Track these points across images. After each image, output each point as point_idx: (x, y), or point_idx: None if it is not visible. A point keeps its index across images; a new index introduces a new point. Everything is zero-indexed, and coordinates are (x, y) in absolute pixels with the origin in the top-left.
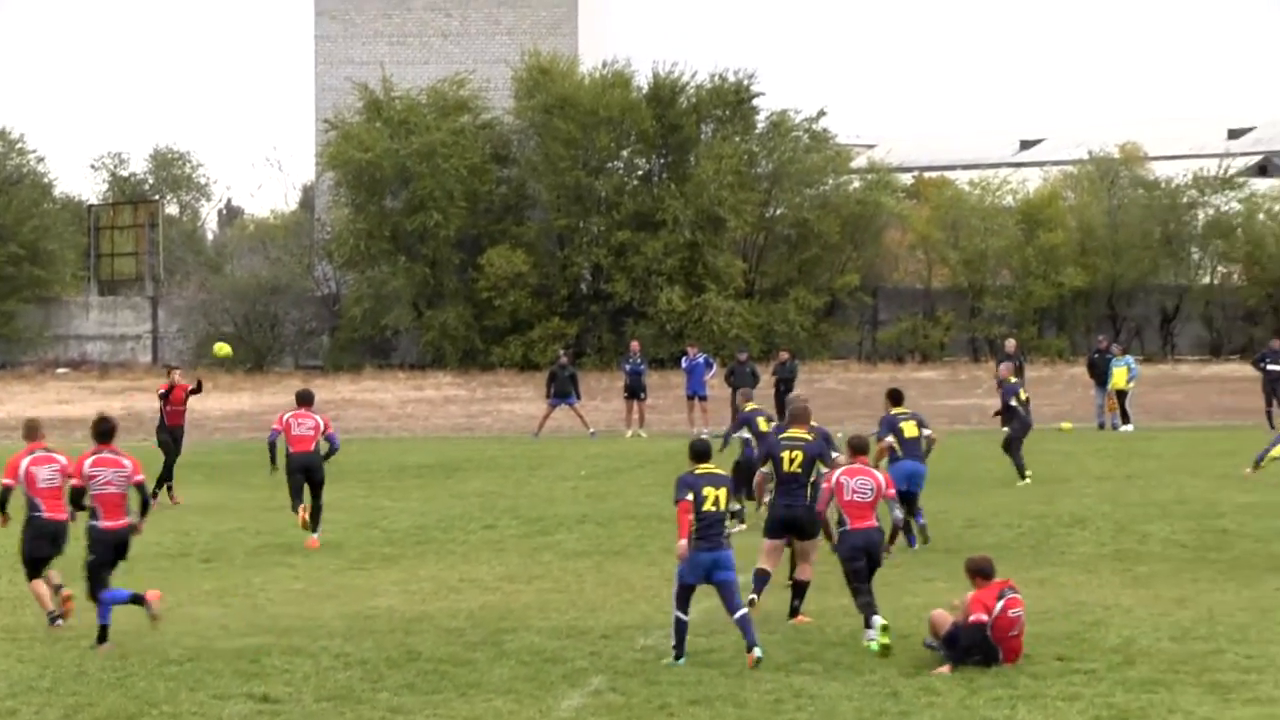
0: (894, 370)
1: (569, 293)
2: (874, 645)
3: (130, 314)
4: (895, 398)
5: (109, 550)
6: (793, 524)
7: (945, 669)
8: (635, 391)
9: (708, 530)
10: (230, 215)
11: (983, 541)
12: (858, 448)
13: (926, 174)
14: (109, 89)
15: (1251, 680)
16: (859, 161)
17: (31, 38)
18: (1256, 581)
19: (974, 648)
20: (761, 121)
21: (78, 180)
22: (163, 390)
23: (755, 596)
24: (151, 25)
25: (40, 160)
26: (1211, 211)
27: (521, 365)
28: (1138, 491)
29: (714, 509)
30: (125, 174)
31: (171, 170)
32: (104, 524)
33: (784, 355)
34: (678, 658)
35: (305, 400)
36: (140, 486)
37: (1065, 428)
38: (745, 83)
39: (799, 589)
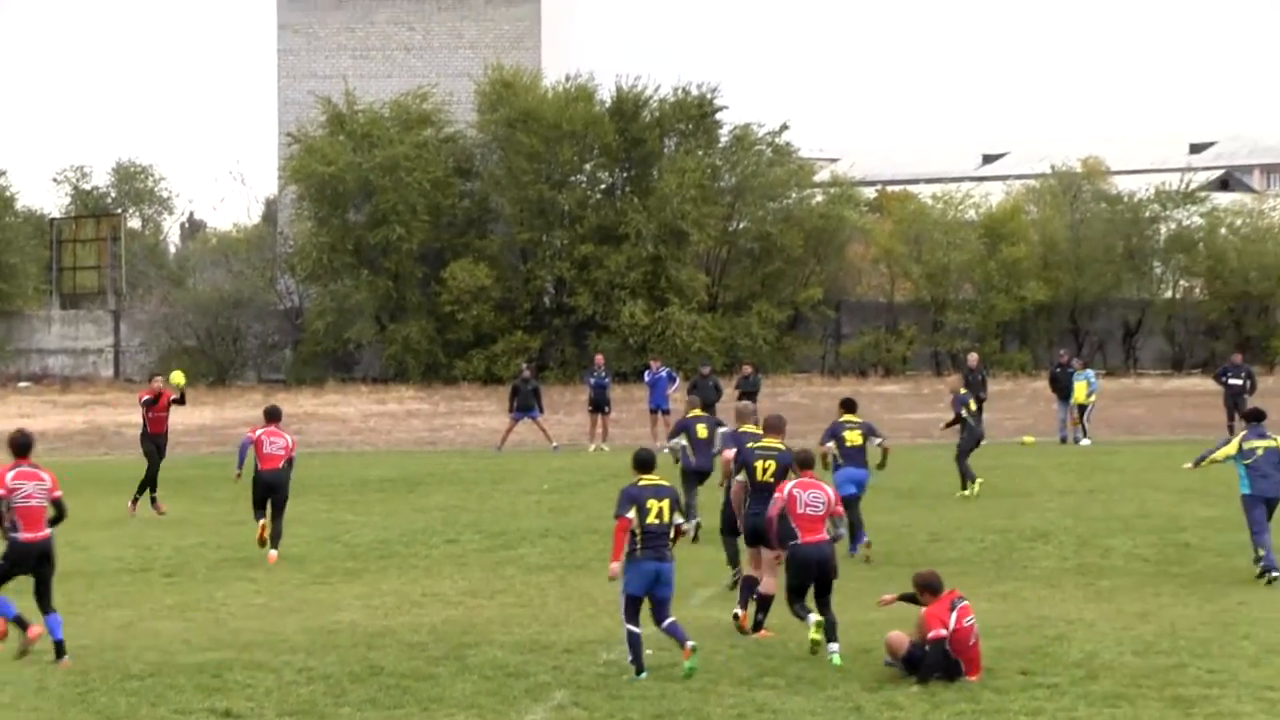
0: (857, 384)
1: (532, 306)
2: (811, 630)
3: (92, 328)
4: (848, 405)
5: (29, 561)
6: (762, 534)
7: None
8: (600, 405)
9: (653, 541)
10: (193, 229)
11: (946, 555)
12: (805, 462)
13: (889, 188)
14: (71, 102)
15: (1214, 694)
16: (822, 175)
17: None
18: (1219, 596)
19: (936, 665)
20: (725, 135)
21: (40, 194)
22: (147, 397)
23: (740, 611)
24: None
25: (2, 174)
26: (1173, 226)
27: (484, 379)
28: (1100, 506)
29: (658, 521)
30: (87, 187)
31: (134, 184)
32: (24, 536)
33: (747, 369)
34: (639, 672)
35: (274, 417)
36: (58, 502)
37: (1027, 441)
38: (708, 96)
39: (763, 603)
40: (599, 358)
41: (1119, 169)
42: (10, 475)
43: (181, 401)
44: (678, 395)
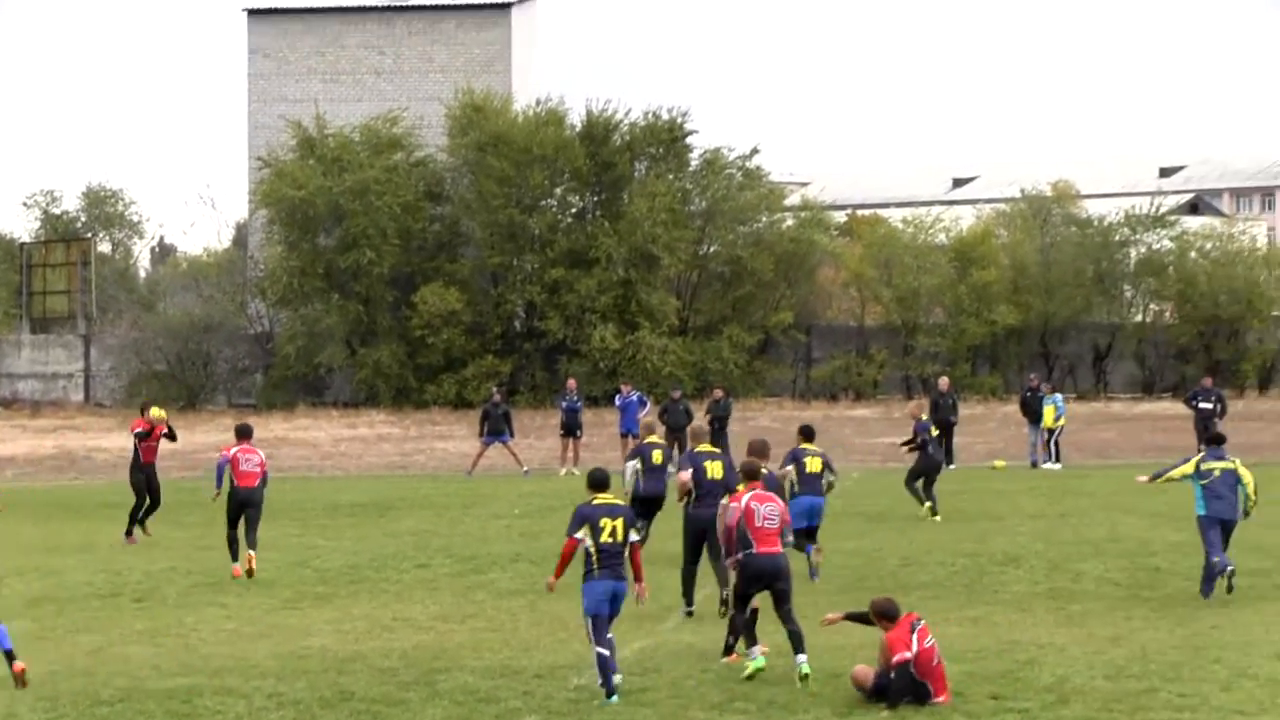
0: (827, 408)
1: (502, 330)
2: (756, 664)
3: (62, 352)
4: (806, 434)
5: None
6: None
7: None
8: (572, 429)
9: (609, 560)
10: (163, 253)
11: (916, 579)
12: (751, 473)
13: (860, 212)
14: (41, 127)
15: (1185, 718)
16: (792, 199)
17: None
18: (1190, 620)
19: (905, 689)
20: (695, 159)
21: (10, 218)
22: (141, 429)
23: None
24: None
25: None
26: (1143, 249)
27: (455, 403)
28: (1071, 530)
29: (611, 540)
30: (58, 212)
31: (104, 208)
32: None
33: (718, 393)
34: (609, 695)
35: (246, 434)
36: None
37: (998, 466)
38: (679, 120)
39: (733, 627)
40: (571, 382)
41: (1089, 193)
42: None
43: (172, 437)
44: (648, 419)
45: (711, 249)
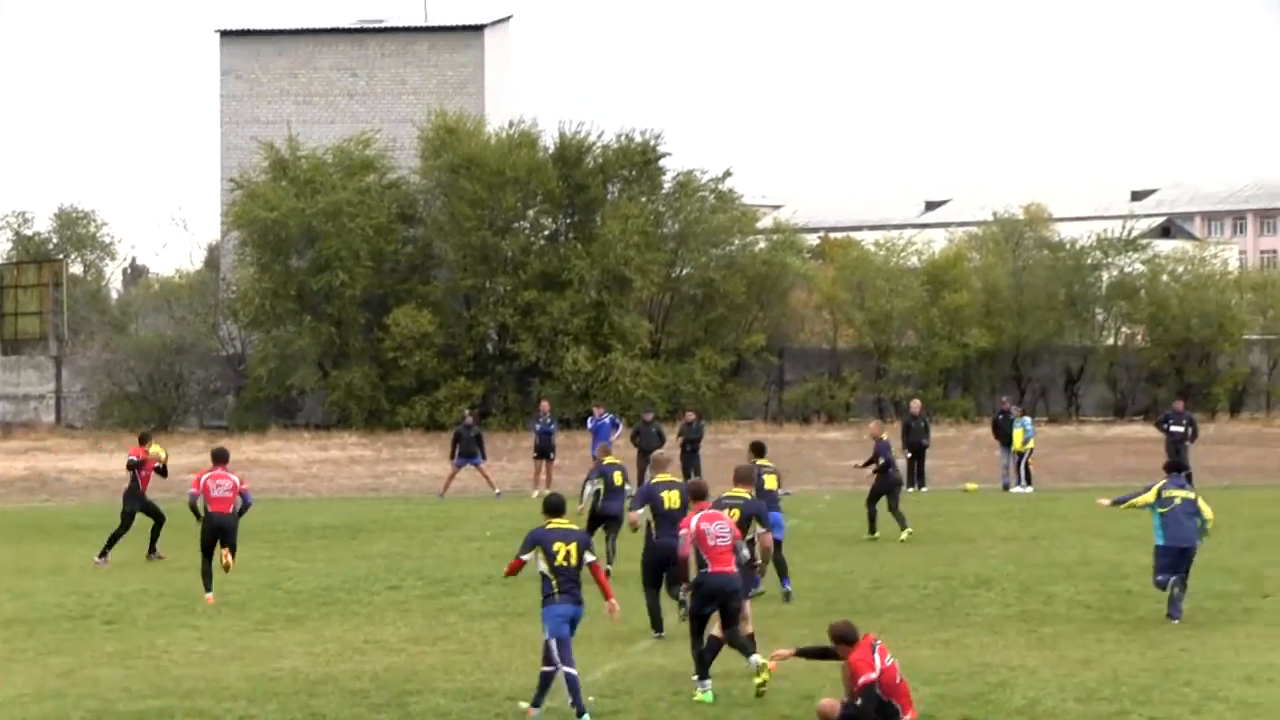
0: (800, 431)
1: (475, 352)
2: (704, 696)
3: (34, 373)
4: (758, 449)
5: None
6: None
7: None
8: (545, 451)
9: (566, 584)
10: (135, 274)
11: (888, 602)
12: (699, 494)
13: (832, 234)
14: (13, 148)
15: None
16: (765, 222)
17: None
18: (1161, 642)
19: (873, 711)
20: (668, 182)
21: None
22: (138, 458)
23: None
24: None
25: None
26: (1115, 273)
27: (427, 425)
28: (1042, 552)
29: (566, 563)
30: (29, 233)
31: (76, 229)
32: None
33: (690, 415)
34: (580, 715)
35: (220, 459)
36: None
37: (970, 488)
38: (651, 143)
39: (714, 645)
40: (544, 404)
41: (1061, 216)
42: None
43: (163, 473)
44: (620, 442)
45: (684, 271)
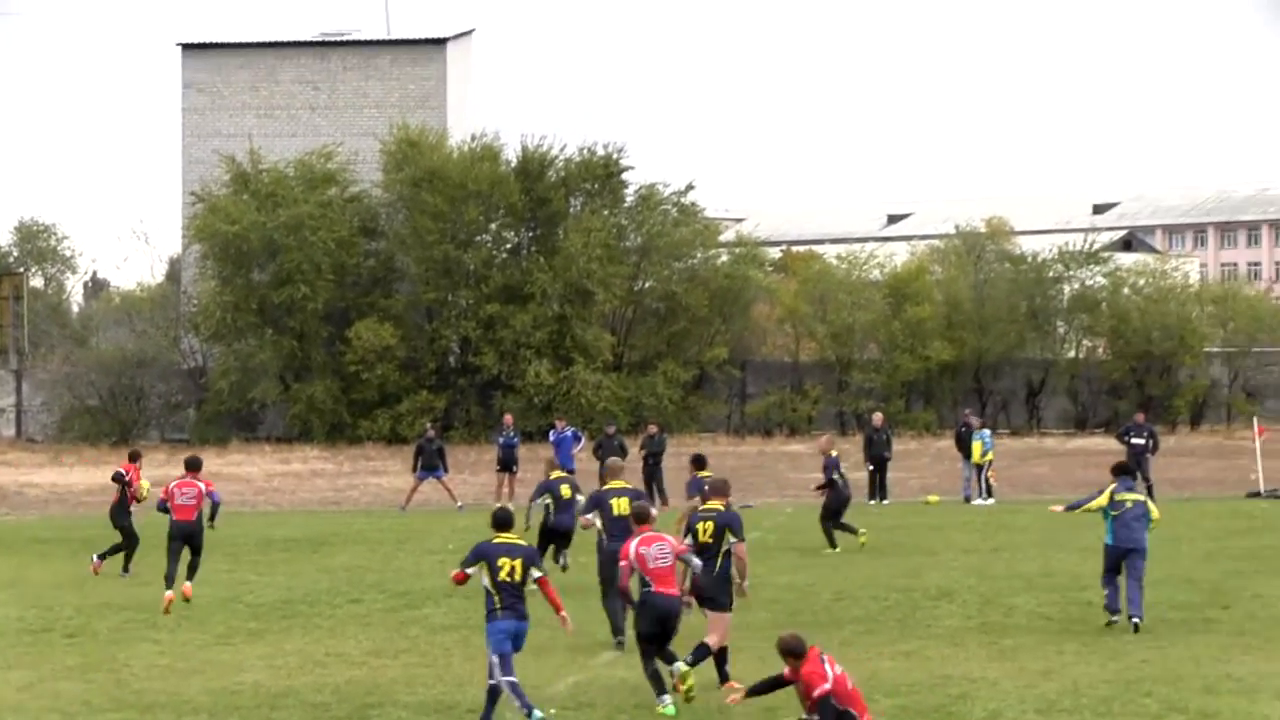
0: (762, 444)
1: (437, 366)
2: (668, 710)
3: None
4: (699, 462)
5: None
6: (697, 593)
7: None
8: (508, 464)
9: (509, 600)
10: (96, 288)
11: (850, 614)
12: (641, 517)
13: (794, 248)
14: None
15: None
16: (727, 235)
17: None
18: (1121, 654)
19: None
20: (630, 195)
21: None
22: (129, 475)
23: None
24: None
25: None
26: (1077, 286)
27: (389, 438)
28: (1004, 564)
29: (510, 579)
30: None
31: (36, 243)
32: None
33: (652, 428)
34: (529, 714)
35: (192, 467)
36: None
37: (932, 500)
38: (614, 156)
39: (718, 657)
40: (508, 418)
41: (1023, 229)
42: None
43: (138, 499)
44: (583, 455)
45: (646, 285)
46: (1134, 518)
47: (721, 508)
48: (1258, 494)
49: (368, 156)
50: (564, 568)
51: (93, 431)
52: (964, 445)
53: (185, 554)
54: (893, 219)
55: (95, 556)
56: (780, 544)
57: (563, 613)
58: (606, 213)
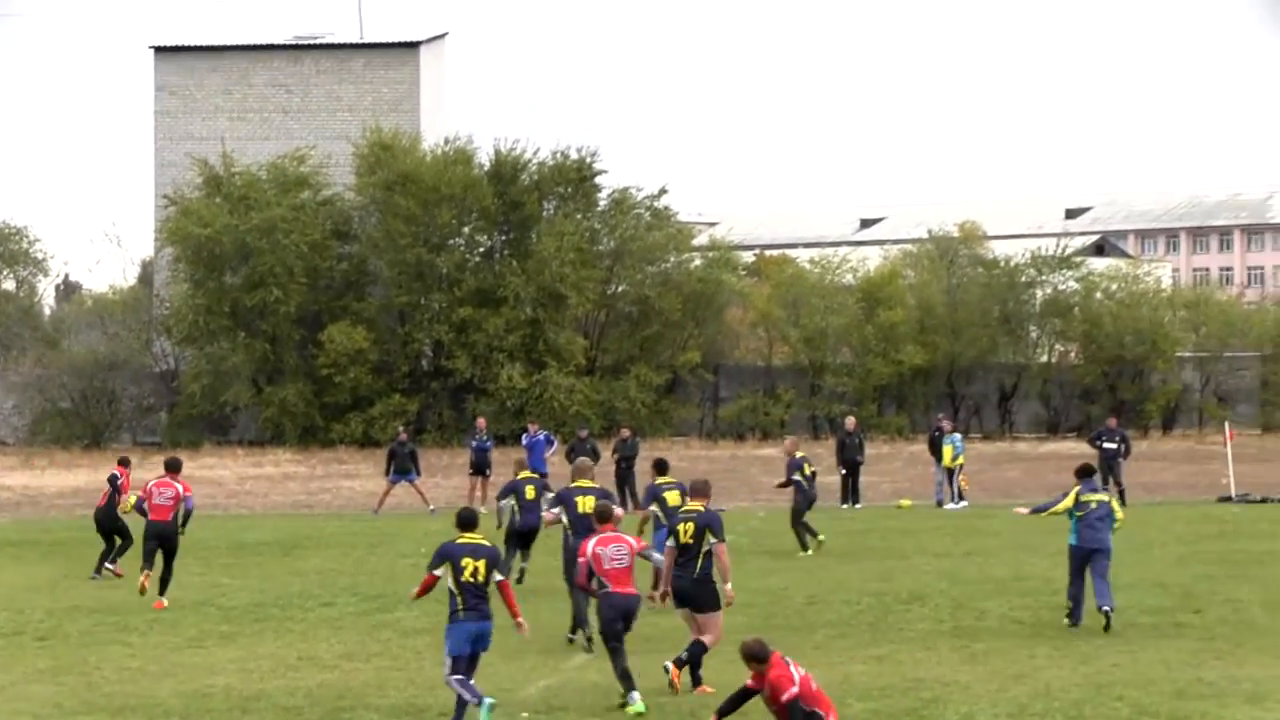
0: (735, 447)
1: (410, 369)
2: (637, 707)
3: None
4: (660, 467)
5: None
6: (680, 594)
7: None
8: (481, 468)
9: (472, 601)
10: (68, 290)
11: (823, 618)
12: (602, 516)
13: (768, 252)
14: None
15: None
16: (700, 239)
17: None
18: (1092, 657)
19: None
20: (603, 199)
21: None
22: (118, 476)
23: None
24: None
25: None
26: (1049, 290)
27: (362, 442)
28: (976, 568)
29: (473, 580)
30: None
31: (8, 245)
32: None
33: (625, 432)
34: (479, 701)
35: (171, 468)
36: None
37: (904, 505)
38: (587, 160)
39: (692, 661)
40: (481, 421)
41: (995, 234)
42: None
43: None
44: (555, 459)
45: (619, 289)
46: (1098, 518)
47: (702, 508)
48: (1229, 498)
49: (340, 160)
50: (519, 581)
51: (64, 434)
52: (936, 449)
53: (159, 558)
54: (865, 223)
55: (107, 564)
56: (753, 547)
57: (519, 619)
58: (579, 217)
